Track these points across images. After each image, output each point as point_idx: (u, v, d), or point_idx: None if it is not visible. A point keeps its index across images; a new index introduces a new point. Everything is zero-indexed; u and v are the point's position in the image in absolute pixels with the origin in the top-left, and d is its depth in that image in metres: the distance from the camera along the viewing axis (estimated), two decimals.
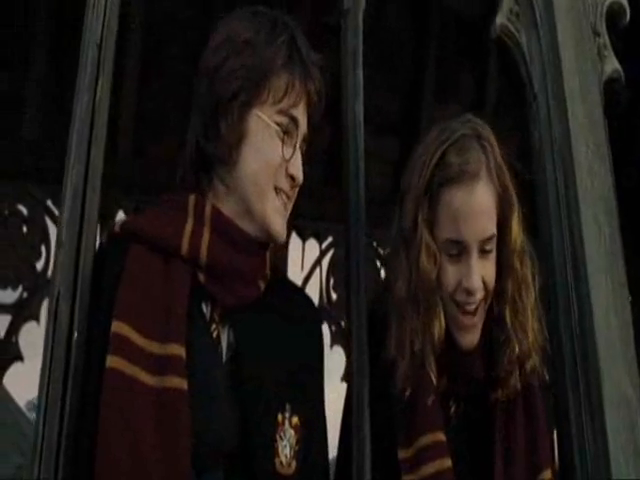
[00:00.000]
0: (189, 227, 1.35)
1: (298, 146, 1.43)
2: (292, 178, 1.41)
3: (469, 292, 1.52)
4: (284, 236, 1.43)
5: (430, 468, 1.43)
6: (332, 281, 4.30)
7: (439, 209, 1.54)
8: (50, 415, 1.25)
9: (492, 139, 1.59)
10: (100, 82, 1.48)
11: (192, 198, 1.40)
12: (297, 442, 1.32)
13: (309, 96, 1.44)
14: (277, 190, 1.40)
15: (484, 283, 1.54)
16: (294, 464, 1.31)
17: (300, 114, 1.43)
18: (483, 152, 1.57)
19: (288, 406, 1.33)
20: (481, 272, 1.53)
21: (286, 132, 1.40)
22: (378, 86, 3.82)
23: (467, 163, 1.54)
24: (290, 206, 1.44)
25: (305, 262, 4.27)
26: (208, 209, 1.38)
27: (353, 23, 1.69)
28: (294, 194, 1.44)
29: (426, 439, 1.46)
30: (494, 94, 4.08)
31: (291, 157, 1.40)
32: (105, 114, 1.48)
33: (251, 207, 1.38)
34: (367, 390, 1.40)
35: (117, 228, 1.39)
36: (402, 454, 1.46)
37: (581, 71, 1.82)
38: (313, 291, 4.22)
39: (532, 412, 1.58)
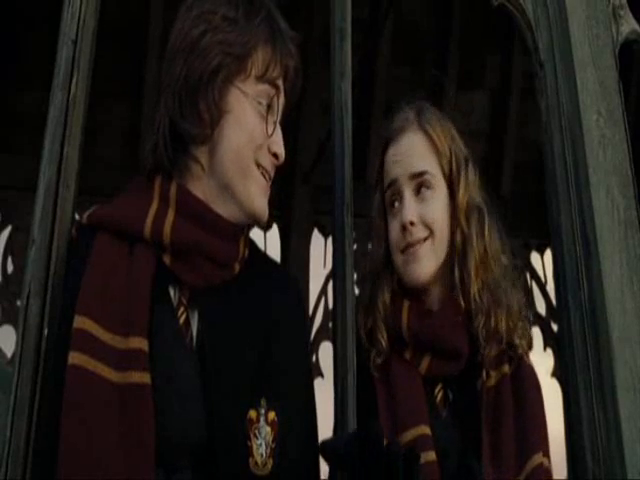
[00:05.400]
0: (153, 209, 1.30)
1: (279, 122, 1.39)
2: (275, 156, 1.37)
3: (403, 227, 1.56)
4: (266, 217, 1.37)
5: None
6: (355, 278, 4.18)
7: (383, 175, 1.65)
8: (19, 415, 1.23)
9: (433, 112, 1.67)
10: (74, 80, 1.46)
11: (158, 180, 1.35)
12: (274, 439, 1.22)
13: (287, 72, 1.41)
14: (259, 167, 1.35)
15: (424, 223, 1.57)
16: (271, 463, 1.21)
17: (281, 89, 1.40)
18: (411, 111, 1.67)
19: (264, 401, 1.23)
20: (417, 210, 1.57)
21: (268, 107, 1.37)
22: (403, 79, 3.72)
23: (393, 122, 1.67)
24: (268, 188, 1.38)
25: (327, 259, 4.21)
26: (173, 189, 1.32)
27: None
28: (272, 175, 1.39)
29: (410, 434, 1.38)
30: (520, 77, 3.92)
31: (272, 133, 1.36)
32: (81, 112, 1.46)
33: (232, 186, 1.32)
34: (353, 378, 1.33)
35: (84, 218, 1.35)
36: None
37: (592, 35, 1.70)
38: None
39: (521, 395, 1.49)
